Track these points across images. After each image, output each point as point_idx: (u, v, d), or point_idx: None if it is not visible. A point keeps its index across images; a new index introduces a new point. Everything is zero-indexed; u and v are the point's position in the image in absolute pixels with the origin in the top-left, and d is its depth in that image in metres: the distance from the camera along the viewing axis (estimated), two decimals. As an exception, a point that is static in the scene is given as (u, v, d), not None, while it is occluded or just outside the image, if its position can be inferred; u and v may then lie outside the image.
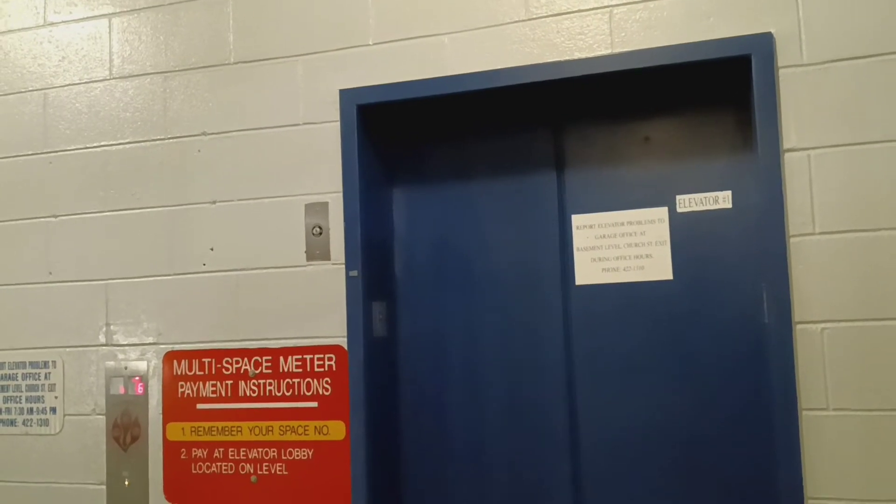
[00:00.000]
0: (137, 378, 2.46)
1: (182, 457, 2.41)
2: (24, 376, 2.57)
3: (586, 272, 2.30)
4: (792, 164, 1.98)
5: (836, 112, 1.96)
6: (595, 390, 2.28)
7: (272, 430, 2.34)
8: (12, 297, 2.59)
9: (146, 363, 2.46)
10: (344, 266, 2.29)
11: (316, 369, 2.32)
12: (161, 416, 2.44)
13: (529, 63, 2.19)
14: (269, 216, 2.37)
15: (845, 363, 1.92)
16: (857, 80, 1.96)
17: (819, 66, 1.99)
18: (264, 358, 2.36)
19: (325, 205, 2.33)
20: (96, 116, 2.55)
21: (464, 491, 2.38)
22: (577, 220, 2.32)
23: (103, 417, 2.48)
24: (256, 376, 2.37)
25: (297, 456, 2.32)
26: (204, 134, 2.45)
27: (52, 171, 2.58)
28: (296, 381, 2.33)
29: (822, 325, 1.94)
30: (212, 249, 2.42)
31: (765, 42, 2.01)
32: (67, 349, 2.53)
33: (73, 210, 2.55)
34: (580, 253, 2.31)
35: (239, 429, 2.37)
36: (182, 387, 2.43)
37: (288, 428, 2.33)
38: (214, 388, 2.40)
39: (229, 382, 2.39)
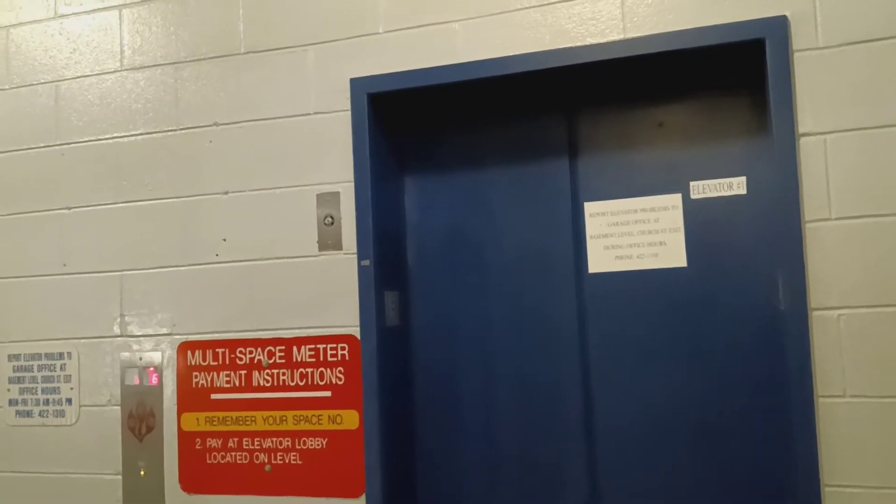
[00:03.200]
0: (152, 369, 2.47)
1: (197, 447, 2.42)
2: (40, 368, 2.59)
3: (599, 260, 2.29)
4: (807, 149, 1.96)
5: (852, 96, 1.94)
6: (609, 378, 2.27)
7: (286, 420, 2.35)
8: (27, 289, 2.60)
9: (161, 354, 2.47)
10: (356, 255, 2.29)
11: (329, 359, 2.32)
12: (176, 406, 2.45)
13: (541, 49, 2.17)
14: (281, 206, 2.37)
15: (862, 350, 1.91)
16: (873, 63, 1.93)
17: (834, 49, 1.96)
18: (278, 348, 2.37)
19: (336, 194, 2.32)
20: (108, 108, 2.56)
21: (479, 479, 2.38)
22: (589, 207, 2.31)
23: (119, 408, 2.50)
24: (270, 366, 2.37)
25: (311, 445, 2.32)
26: (215, 124, 2.45)
27: (65, 163, 2.59)
28: (309, 370, 2.34)
29: (839, 312, 1.92)
30: (224, 240, 2.42)
31: (779, 25, 1.98)
32: (83, 340, 2.54)
33: (87, 202, 2.56)
34: (593, 240, 2.30)
35: (253, 419, 2.38)
36: (196, 377, 2.44)
37: (302, 417, 2.34)
38: (228, 379, 2.41)
39: (243, 372, 2.40)
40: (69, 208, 2.58)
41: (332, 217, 2.32)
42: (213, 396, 2.42)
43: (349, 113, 2.32)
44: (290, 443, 2.34)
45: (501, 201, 2.39)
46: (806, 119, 1.97)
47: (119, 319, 2.51)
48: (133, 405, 2.49)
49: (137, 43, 2.55)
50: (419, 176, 2.48)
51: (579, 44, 2.14)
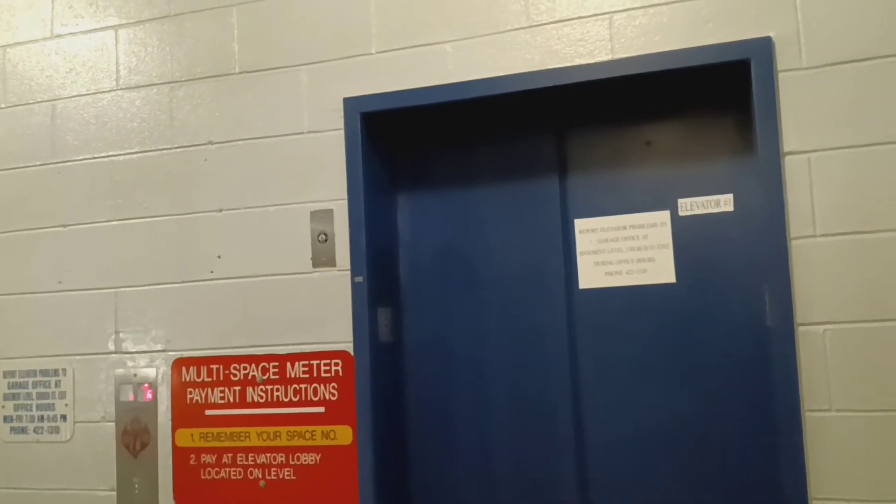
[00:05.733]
0: (146, 385, 2.48)
1: (191, 463, 2.43)
2: (35, 384, 2.60)
3: (589, 276, 2.32)
4: (792, 167, 1.99)
5: (836, 115, 1.98)
6: (600, 393, 2.29)
7: (280, 436, 2.36)
8: (22, 306, 2.62)
9: (155, 370, 2.48)
10: (349, 272, 2.31)
11: (323, 375, 2.34)
12: (170, 422, 2.46)
13: (531, 70, 2.21)
14: (275, 224, 2.40)
15: (847, 364, 1.93)
16: (857, 82, 1.97)
17: (818, 70, 2.00)
18: (271, 364, 2.38)
19: (330, 212, 2.35)
20: (104, 127, 2.58)
21: (471, 494, 2.39)
22: (579, 224, 2.34)
23: (113, 424, 2.51)
24: (264, 382, 2.39)
25: (305, 461, 2.34)
26: (210, 143, 2.48)
27: (61, 182, 2.61)
28: (303, 386, 2.35)
29: (825, 327, 1.95)
30: (219, 257, 2.44)
31: (764, 46, 2.02)
32: (77, 357, 2.56)
33: (82, 219, 2.58)
34: (583, 257, 2.33)
35: (247, 434, 2.39)
36: (191, 393, 2.45)
37: (295, 433, 2.35)
38: (223, 395, 2.42)
39: (237, 388, 2.41)
40: (65, 226, 2.59)
41: (325, 234, 2.35)
42: (208, 412, 2.43)
43: (342, 132, 2.35)
44: (283, 458, 2.36)
45: (493, 218, 2.42)
46: (791, 138, 2.00)
47: (114, 336, 2.52)
48: (127, 421, 2.50)
49: (133, 63, 2.57)
50: (412, 194, 2.50)
51: (568, 64, 2.18)
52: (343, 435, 2.31)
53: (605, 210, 2.31)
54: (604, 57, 2.15)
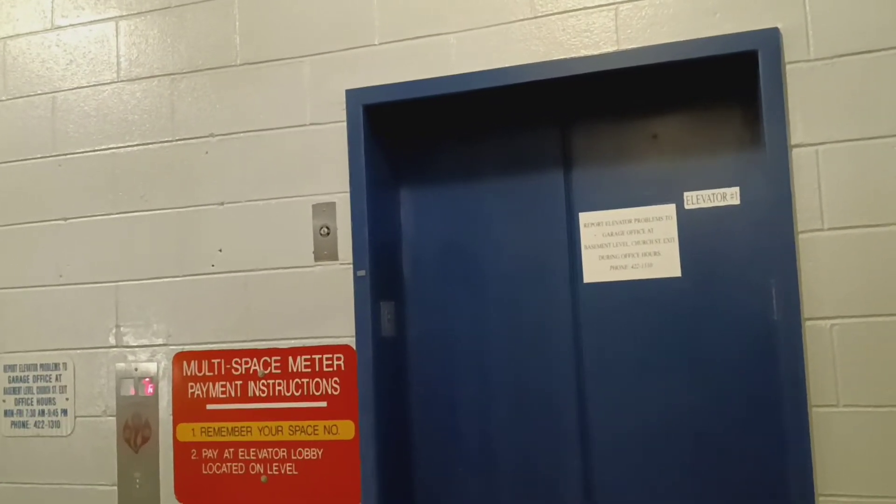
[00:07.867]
0: (147, 379, 2.47)
1: (192, 457, 2.42)
2: (36, 378, 2.58)
3: (594, 270, 2.30)
4: (800, 160, 1.97)
5: (844, 107, 1.96)
6: (604, 388, 2.28)
7: (282, 431, 2.35)
8: (23, 299, 2.61)
9: (156, 364, 2.47)
10: (352, 266, 2.30)
11: (325, 369, 2.32)
12: (171, 417, 2.45)
13: (535, 61, 2.19)
14: (277, 217, 2.38)
15: (855, 359, 1.92)
16: (865, 74, 1.95)
17: (826, 61, 1.98)
18: (273, 358, 2.37)
19: (332, 205, 2.33)
20: (104, 119, 2.57)
21: (474, 489, 2.38)
22: (584, 217, 2.32)
23: (114, 419, 2.49)
24: (266, 377, 2.37)
25: (307, 456, 2.33)
26: (211, 136, 2.46)
27: (62, 175, 2.59)
28: (305, 380, 2.34)
29: (832, 322, 1.93)
30: (220, 250, 2.43)
31: (771, 37, 2.00)
32: (78, 351, 2.54)
33: (83, 213, 2.56)
34: (588, 251, 2.31)
35: (249, 429, 2.38)
36: (192, 388, 2.44)
37: (297, 428, 2.34)
38: (224, 389, 2.41)
39: (239, 383, 2.40)
40: (66, 219, 2.58)
41: (327, 228, 2.33)
42: (209, 407, 2.42)
43: (345, 124, 2.33)
44: (285, 453, 2.34)
45: (496, 212, 2.40)
46: (798, 130, 1.98)
47: (115, 330, 2.51)
48: (128, 416, 2.48)
49: (134, 55, 2.56)
50: (415, 187, 2.49)
51: (573, 55, 2.16)
52: (345, 430, 2.30)
53: (610, 203, 2.29)
54: (609, 48, 2.13)
